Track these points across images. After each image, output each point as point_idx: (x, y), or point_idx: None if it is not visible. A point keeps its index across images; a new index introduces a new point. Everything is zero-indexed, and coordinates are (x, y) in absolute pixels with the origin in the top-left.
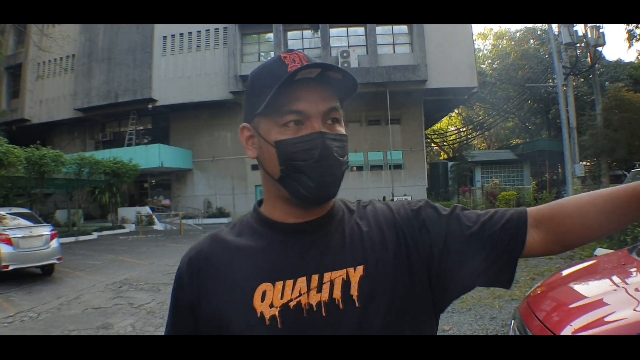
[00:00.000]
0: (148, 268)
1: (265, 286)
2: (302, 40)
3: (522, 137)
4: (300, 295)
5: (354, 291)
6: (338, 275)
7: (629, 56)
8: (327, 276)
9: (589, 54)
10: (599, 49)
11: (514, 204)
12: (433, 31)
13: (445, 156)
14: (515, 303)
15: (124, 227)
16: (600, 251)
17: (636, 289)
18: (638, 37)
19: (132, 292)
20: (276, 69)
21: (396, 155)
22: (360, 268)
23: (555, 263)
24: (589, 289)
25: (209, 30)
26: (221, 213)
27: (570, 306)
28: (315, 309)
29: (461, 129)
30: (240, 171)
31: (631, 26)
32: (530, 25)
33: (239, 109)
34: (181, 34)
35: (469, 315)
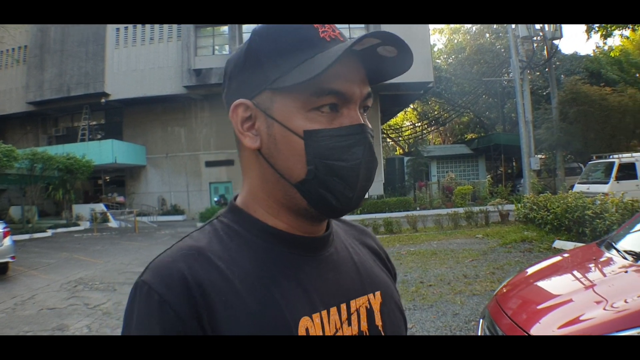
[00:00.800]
0: (103, 267)
1: (306, 321)
2: None
3: (477, 131)
4: (337, 330)
5: (378, 321)
6: (362, 304)
7: (585, 49)
8: (353, 304)
9: (545, 47)
10: (556, 42)
11: (469, 197)
12: (388, 26)
13: (401, 151)
14: (476, 298)
15: (78, 225)
16: (558, 243)
17: (610, 285)
18: (597, 29)
19: (88, 292)
20: (302, 28)
21: None
22: (378, 294)
23: (514, 257)
24: (558, 287)
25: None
26: (176, 210)
27: (540, 306)
28: None
29: (417, 124)
30: (194, 168)
31: None
32: None
33: (192, 104)
34: (134, 26)
35: (431, 312)
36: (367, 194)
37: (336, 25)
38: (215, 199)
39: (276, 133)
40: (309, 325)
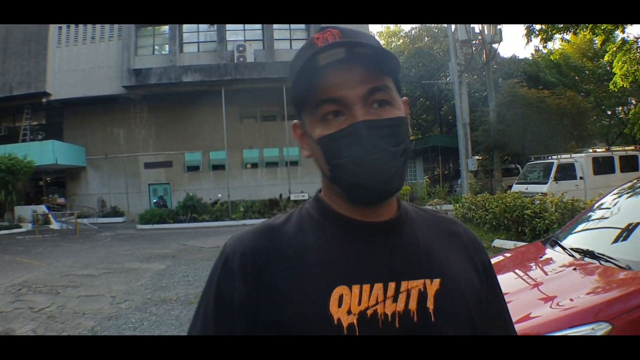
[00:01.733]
0: (46, 269)
1: (341, 289)
2: (197, 33)
3: (414, 133)
4: (377, 303)
5: (429, 304)
6: (415, 286)
7: (524, 52)
8: (404, 285)
9: (484, 50)
10: (495, 45)
11: (408, 198)
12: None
13: None
14: None
15: (21, 227)
16: (498, 242)
17: (556, 283)
18: (537, 33)
19: (32, 295)
20: (307, 53)
21: (293, 152)
22: (437, 281)
23: None
24: (504, 286)
25: None
26: (115, 212)
27: None
28: (390, 319)
29: None
30: (133, 169)
31: None
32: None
33: (132, 105)
34: (77, 25)
35: None
36: (396, 180)
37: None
38: (154, 201)
39: (310, 142)
40: (345, 293)
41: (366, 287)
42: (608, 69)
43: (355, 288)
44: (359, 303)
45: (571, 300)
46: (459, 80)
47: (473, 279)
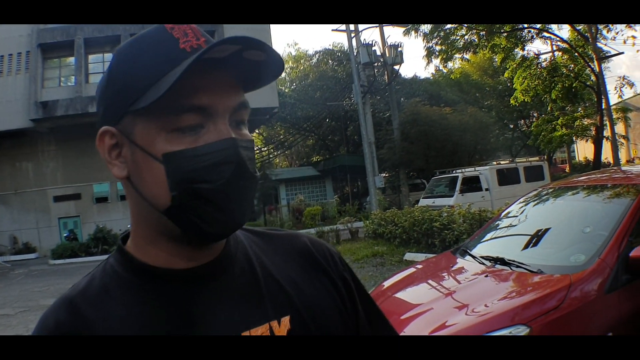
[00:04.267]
0: None
1: None
2: (103, 63)
3: (322, 153)
4: None
5: None
6: (259, 333)
7: (425, 73)
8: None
9: (386, 72)
10: (396, 67)
11: (319, 218)
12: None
13: None
14: None
15: None
16: (409, 255)
17: (469, 291)
18: (437, 53)
19: None
20: (162, 42)
21: None
22: (286, 319)
23: (368, 271)
24: (418, 296)
25: (11, 54)
26: (27, 248)
27: (403, 316)
28: None
29: (262, 149)
30: (43, 204)
31: (431, 43)
32: (329, 47)
33: (39, 138)
34: None
35: None
36: (250, 212)
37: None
38: (65, 234)
39: (138, 159)
40: None
41: None
42: (508, 84)
43: None
44: None
45: (486, 306)
46: (363, 101)
47: (332, 295)
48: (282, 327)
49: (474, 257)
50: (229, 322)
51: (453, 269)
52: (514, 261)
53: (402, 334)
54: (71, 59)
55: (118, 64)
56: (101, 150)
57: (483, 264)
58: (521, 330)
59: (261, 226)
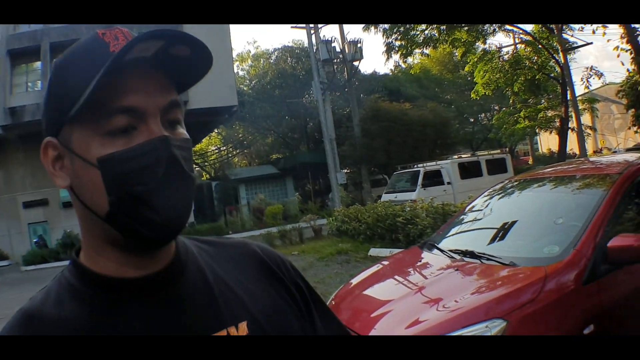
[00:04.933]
0: None
1: None
2: None
3: (281, 151)
4: None
5: None
6: None
7: (384, 69)
8: None
9: (345, 68)
10: (356, 63)
11: (281, 216)
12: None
13: (207, 177)
14: None
15: None
16: (374, 251)
17: (439, 286)
18: (397, 49)
19: None
20: (94, 48)
21: None
22: (243, 325)
23: (333, 269)
24: (387, 293)
25: None
26: (0, 256)
27: (374, 314)
28: None
29: (221, 148)
30: (13, 210)
31: (391, 38)
32: (288, 44)
33: (7, 144)
34: None
35: None
36: (189, 213)
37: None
38: (35, 240)
39: (78, 167)
40: None
41: None
42: (469, 79)
43: None
44: None
45: (458, 301)
46: (323, 98)
47: (287, 301)
48: (240, 332)
49: (442, 250)
50: (185, 329)
51: (421, 263)
52: (484, 254)
53: (373, 331)
54: (37, 64)
55: (55, 74)
56: (45, 163)
57: (452, 257)
58: (497, 325)
59: (222, 227)
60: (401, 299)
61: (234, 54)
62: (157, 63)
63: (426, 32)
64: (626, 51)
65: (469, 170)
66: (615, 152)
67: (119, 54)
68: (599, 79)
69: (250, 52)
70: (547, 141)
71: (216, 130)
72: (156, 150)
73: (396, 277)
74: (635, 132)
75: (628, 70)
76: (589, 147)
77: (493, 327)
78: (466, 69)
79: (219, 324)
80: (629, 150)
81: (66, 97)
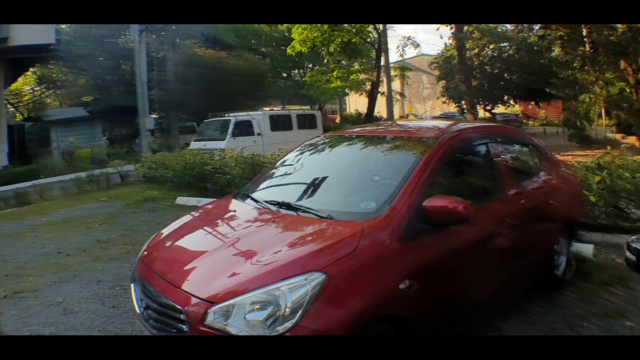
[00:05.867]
0: None
1: None
2: None
3: (94, 94)
4: None
5: None
6: None
7: None
8: None
9: None
10: None
11: (89, 161)
12: None
13: (21, 117)
14: (115, 263)
15: None
16: (181, 199)
17: (255, 237)
18: None
19: None
20: None
21: None
22: None
23: (142, 217)
24: (202, 244)
25: None
26: None
27: (188, 265)
28: None
29: (35, 88)
30: None
31: None
32: None
33: None
34: None
35: (76, 282)
36: None
37: None
38: None
39: None
40: None
41: None
42: (286, 34)
43: None
44: None
45: (275, 253)
46: (139, 39)
47: None
48: None
49: (257, 201)
50: None
51: (236, 213)
52: (300, 206)
53: (186, 282)
54: None
55: None
56: None
57: (268, 209)
58: (316, 277)
59: (35, 170)
60: (216, 250)
61: None
62: None
63: None
64: (446, 25)
65: (279, 123)
66: (421, 118)
67: None
68: (415, 49)
69: None
70: (356, 103)
71: (32, 70)
72: None
73: (211, 227)
74: (443, 102)
75: (446, 44)
76: (396, 111)
77: (312, 280)
78: (284, 24)
79: None
80: (435, 118)
81: None
